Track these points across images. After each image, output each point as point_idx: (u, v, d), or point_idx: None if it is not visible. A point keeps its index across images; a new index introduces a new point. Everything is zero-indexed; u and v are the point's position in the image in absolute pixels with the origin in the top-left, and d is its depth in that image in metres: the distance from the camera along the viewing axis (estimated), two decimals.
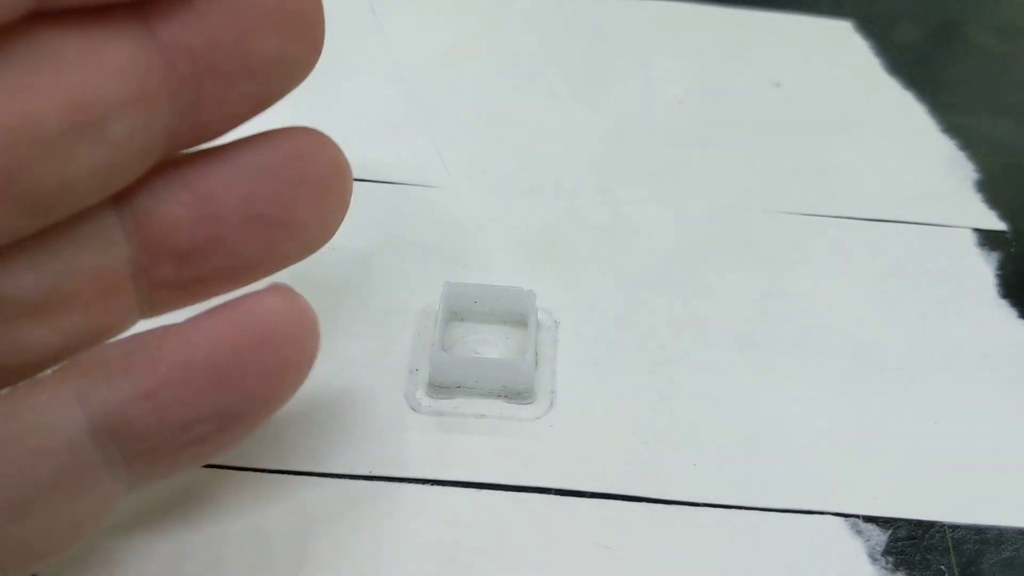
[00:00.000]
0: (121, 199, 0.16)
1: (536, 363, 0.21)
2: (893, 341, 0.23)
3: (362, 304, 0.23)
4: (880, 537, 0.19)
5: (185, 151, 0.16)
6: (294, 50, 0.16)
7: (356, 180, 0.24)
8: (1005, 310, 0.23)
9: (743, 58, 0.29)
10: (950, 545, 0.19)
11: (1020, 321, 0.23)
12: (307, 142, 0.18)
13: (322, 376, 0.21)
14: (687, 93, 0.28)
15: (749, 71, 0.29)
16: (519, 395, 0.21)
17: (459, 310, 0.22)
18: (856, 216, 0.25)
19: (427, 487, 0.20)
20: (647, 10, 0.31)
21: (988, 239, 0.25)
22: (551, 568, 0.18)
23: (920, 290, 0.24)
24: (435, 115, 0.27)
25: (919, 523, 0.20)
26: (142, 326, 0.17)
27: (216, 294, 0.17)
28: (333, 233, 0.18)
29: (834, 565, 0.19)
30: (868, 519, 0.20)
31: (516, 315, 0.22)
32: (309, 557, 0.18)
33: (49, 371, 0.16)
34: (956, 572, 0.19)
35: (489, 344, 0.22)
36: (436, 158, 0.26)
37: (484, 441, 0.20)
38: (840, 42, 0.30)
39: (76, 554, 0.17)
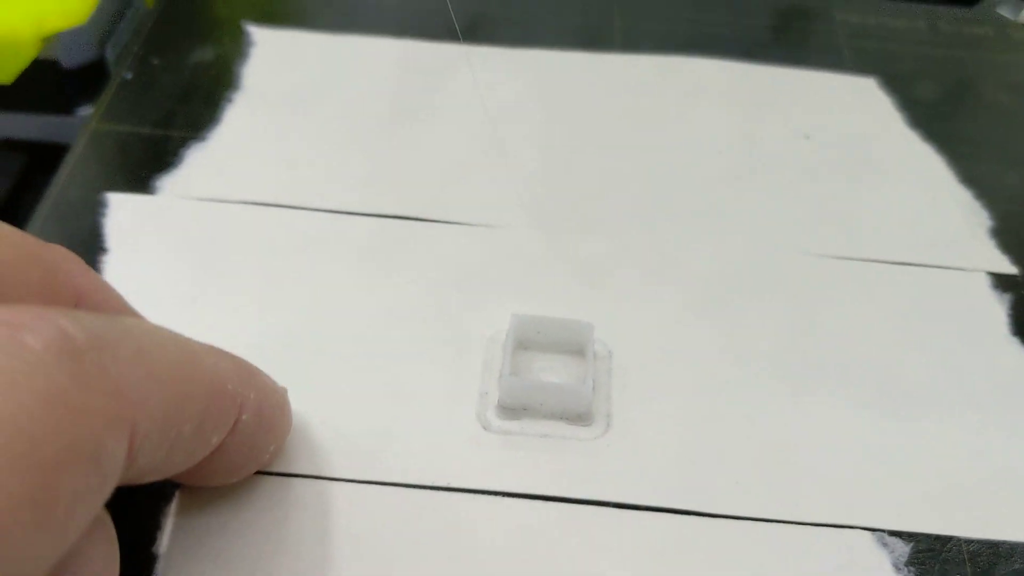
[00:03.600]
0: None
1: (594, 388, 0.24)
2: (914, 372, 0.25)
3: (436, 333, 0.25)
4: (903, 549, 0.22)
5: None
6: None
7: (432, 221, 0.27)
8: (1016, 347, 0.26)
9: (775, 111, 0.32)
10: (966, 557, 0.22)
11: None
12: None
13: (403, 396, 0.24)
14: (725, 143, 0.30)
15: (781, 123, 0.31)
16: (579, 417, 0.23)
17: (524, 339, 0.25)
18: (880, 259, 0.28)
19: (499, 498, 0.22)
20: (687, 66, 0.33)
21: (1001, 282, 0.27)
22: (606, 574, 0.21)
23: (938, 327, 0.26)
24: (499, 162, 0.30)
25: (938, 537, 0.22)
26: None
27: None
28: None
29: (862, 575, 0.21)
30: (892, 533, 0.22)
31: (575, 345, 0.25)
32: (394, 560, 0.21)
33: None
34: None
35: (550, 371, 0.25)
36: (503, 200, 0.28)
37: (549, 458, 0.23)
38: (865, 97, 0.32)
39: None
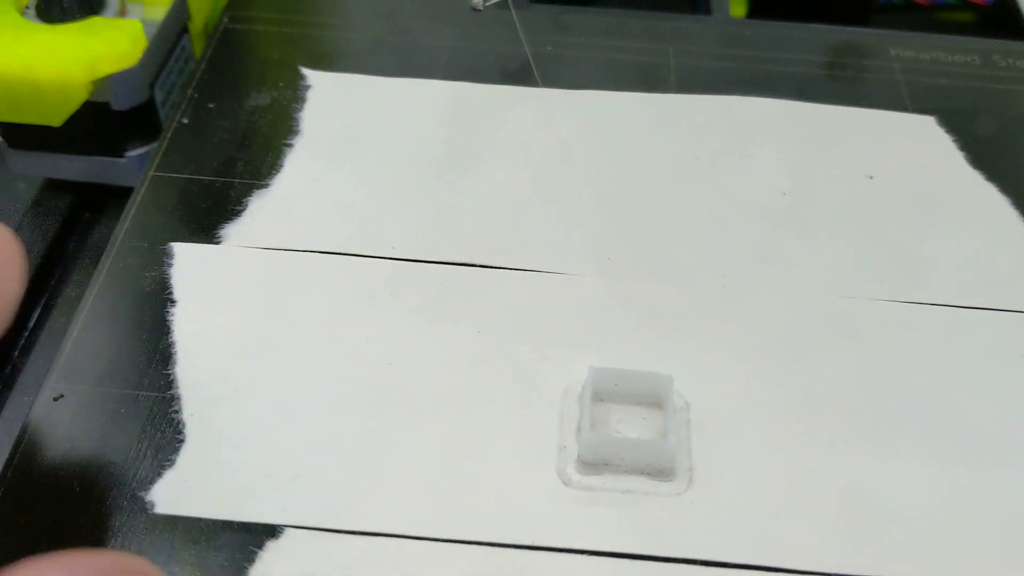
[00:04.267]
0: None
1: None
2: (990, 418, 0.25)
3: (507, 384, 0.25)
4: None
5: None
6: None
7: (496, 268, 0.27)
8: None
9: (836, 151, 0.32)
10: None
11: None
12: None
13: (478, 451, 0.24)
14: (787, 184, 0.30)
15: (843, 164, 0.31)
16: (661, 473, 0.23)
17: (601, 391, 0.24)
18: (950, 303, 0.27)
19: (583, 556, 0.22)
20: (743, 106, 0.33)
21: None
22: None
23: (1012, 371, 0.26)
24: (556, 205, 0.29)
25: None
26: None
27: None
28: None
29: None
30: None
31: (653, 397, 0.24)
32: None
33: None
34: None
35: (627, 423, 0.24)
36: (565, 245, 0.28)
37: (632, 514, 0.23)
38: (925, 136, 0.32)
39: None
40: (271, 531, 0.22)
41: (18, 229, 0.33)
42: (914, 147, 0.32)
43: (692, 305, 0.27)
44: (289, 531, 0.22)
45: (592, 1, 0.42)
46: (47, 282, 0.32)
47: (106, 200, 0.36)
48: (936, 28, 0.38)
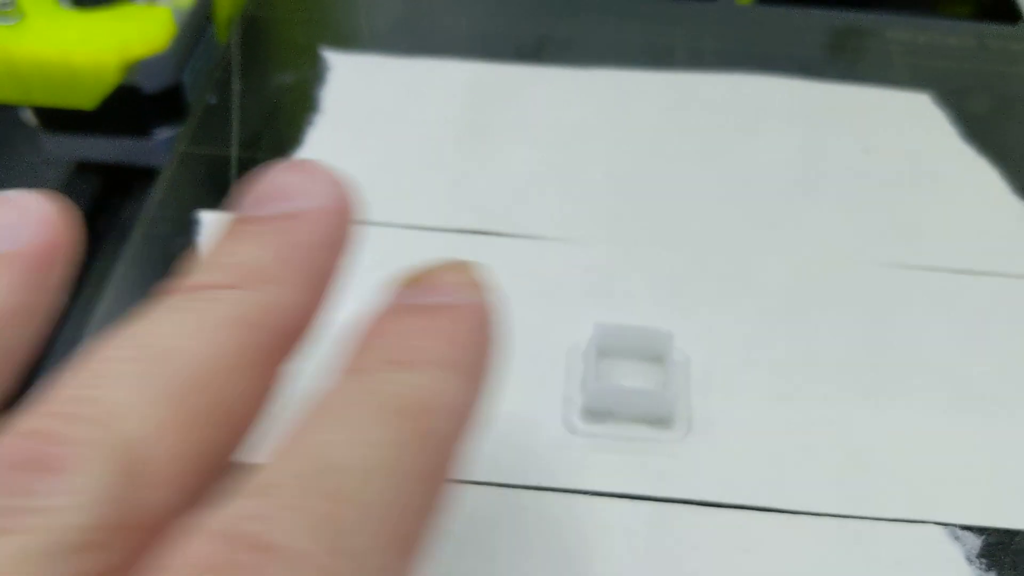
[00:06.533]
0: None
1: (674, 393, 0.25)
2: (981, 375, 0.26)
3: (518, 343, 0.26)
4: (975, 543, 0.23)
5: None
6: None
7: (508, 236, 0.28)
8: None
9: (835, 127, 0.33)
10: None
11: None
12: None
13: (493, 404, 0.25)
14: (789, 157, 0.32)
15: (841, 138, 0.33)
16: (661, 421, 0.25)
17: (606, 347, 0.26)
18: (944, 268, 0.29)
19: (587, 497, 0.23)
20: (749, 84, 0.34)
21: None
22: (696, 569, 0.22)
23: (1003, 331, 0.27)
24: (568, 178, 0.31)
25: (1008, 531, 0.23)
26: None
27: None
28: None
29: (937, 567, 0.22)
30: (965, 527, 0.23)
31: (655, 352, 0.26)
32: (488, 556, 0.22)
33: None
34: None
35: (631, 377, 0.26)
36: (577, 215, 0.30)
37: (633, 460, 0.24)
38: (920, 113, 0.33)
39: None
40: None
41: None
42: (909, 122, 0.33)
43: (696, 269, 0.28)
44: None
45: None
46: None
47: (133, 183, 0.37)
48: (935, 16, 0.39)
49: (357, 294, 0.27)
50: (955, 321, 0.27)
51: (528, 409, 0.25)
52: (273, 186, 0.18)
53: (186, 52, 0.36)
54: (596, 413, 0.25)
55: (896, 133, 0.33)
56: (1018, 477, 0.24)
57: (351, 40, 0.36)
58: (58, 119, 0.36)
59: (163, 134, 0.37)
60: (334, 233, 0.18)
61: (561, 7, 0.38)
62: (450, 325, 0.17)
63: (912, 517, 0.23)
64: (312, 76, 0.34)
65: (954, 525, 0.23)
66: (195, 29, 0.37)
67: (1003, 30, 0.38)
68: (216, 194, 0.30)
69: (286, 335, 0.16)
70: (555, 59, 0.35)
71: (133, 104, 0.35)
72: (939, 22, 0.38)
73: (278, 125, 0.32)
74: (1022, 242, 0.29)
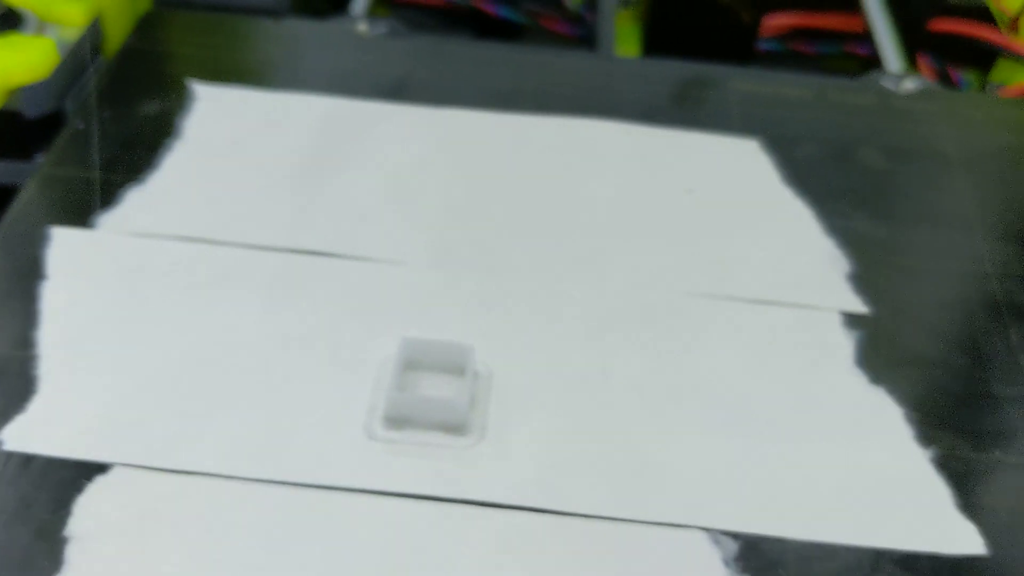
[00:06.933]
0: None
1: (472, 404, 0.27)
2: (762, 398, 0.28)
3: (334, 355, 0.28)
4: (732, 547, 0.25)
5: None
6: None
7: (338, 257, 0.30)
8: (856, 376, 0.29)
9: (664, 169, 0.35)
10: (789, 556, 0.24)
11: (870, 385, 0.29)
12: None
13: (298, 411, 0.27)
14: (615, 198, 0.34)
15: (667, 180, 0.35)
16: (455, 428, 0.26)
17: (412, 360, 0.28)
18: (744, 298, 0.31)
19: (378, 497, 0.25)
20: (589, 128, 0.36)
21: (852, 320, 0.30)
22: (465, 566, 0.24)
23: (791, 359, 0.29)
24: (405, 207, 0.33)
25: (764, 537, 0.25)
26: None
27: None
28: None
29: (697, 569, 0.24)
30: (725, 533, 0.25)
31: (458, 365, 0.28)
32: (278, 552, 0.24)
33: None
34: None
35: (435, 388, 0.28)
36: (407, 241, 0.32)
37: (426, 464, 0.26)
38: (746, 157, 0.36)
39: None
40: (102, 468, 0.25)
41: None
42: (734, 165, 0.35)
43: (512, 293, 0.30)
44: (117, 468, 0.25)
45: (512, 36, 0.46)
46: None
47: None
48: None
49: (194, 307, 0.29)
50: (743, 346, 0.29)
51: (333, 416, 0.27)
52: None
53: (68, 80, 0.38)
54: (396, 420, 0.26)
55: (720, 175, 0.35)
56: (774, 488, 0.26)
57: (223, 74, 0.38)
58: None
59: (43, 157, 0.38)
60: None
61: (425, 53, 0.40)
62: None
63: (678, 521, 0.25)
64: (177, 105, 0.36)
65: (715, 530, 0.25)
66: (79, 59, 0.39)
67: (844, 83, 0.40)
68: (70, 213, 0.32)
69: None
70: (411, 99, 0.37)
71: (15, 128, 0.37)
72: (783, 75, 0.40)
73: (138, 150, 0.34)
74: (818, 276, 0.31)
